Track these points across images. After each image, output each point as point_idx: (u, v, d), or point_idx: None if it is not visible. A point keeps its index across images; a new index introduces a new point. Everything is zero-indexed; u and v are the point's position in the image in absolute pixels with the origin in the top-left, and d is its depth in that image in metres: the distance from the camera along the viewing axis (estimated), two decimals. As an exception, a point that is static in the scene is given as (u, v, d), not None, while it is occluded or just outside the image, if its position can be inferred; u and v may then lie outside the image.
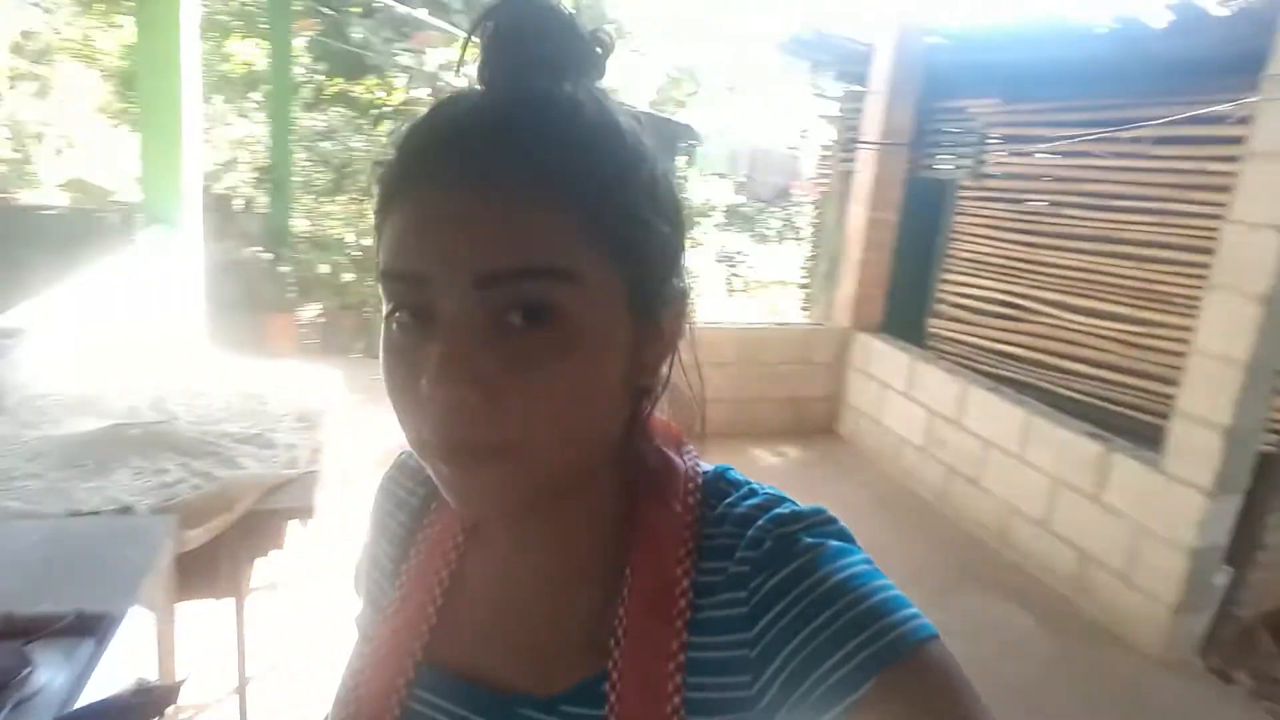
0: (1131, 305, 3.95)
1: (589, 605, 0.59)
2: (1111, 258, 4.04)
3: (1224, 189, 3.08)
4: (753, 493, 0.60)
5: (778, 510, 0.57)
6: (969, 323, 4.93)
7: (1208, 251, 3.07)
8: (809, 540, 0.55)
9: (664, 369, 0.58)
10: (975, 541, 3.91)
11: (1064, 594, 3.41)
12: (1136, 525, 3.11)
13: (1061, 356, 4.31)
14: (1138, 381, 3.90)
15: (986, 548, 3.84)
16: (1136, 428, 3.69)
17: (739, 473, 0.62)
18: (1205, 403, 2.88)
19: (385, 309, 0.52)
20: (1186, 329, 3.25)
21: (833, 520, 0.57)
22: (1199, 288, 3.15)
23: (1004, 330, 4.68)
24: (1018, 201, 4.63)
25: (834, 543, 0.55)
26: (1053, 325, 4.37)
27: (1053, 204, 4.43)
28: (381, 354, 0.53)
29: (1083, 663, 3.00)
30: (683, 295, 0.57)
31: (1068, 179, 4.31)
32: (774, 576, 0.54)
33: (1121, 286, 4.00)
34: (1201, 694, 2.90)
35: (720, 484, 0.61)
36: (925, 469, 4.39)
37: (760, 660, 0.53)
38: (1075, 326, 4.23)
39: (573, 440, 0.53)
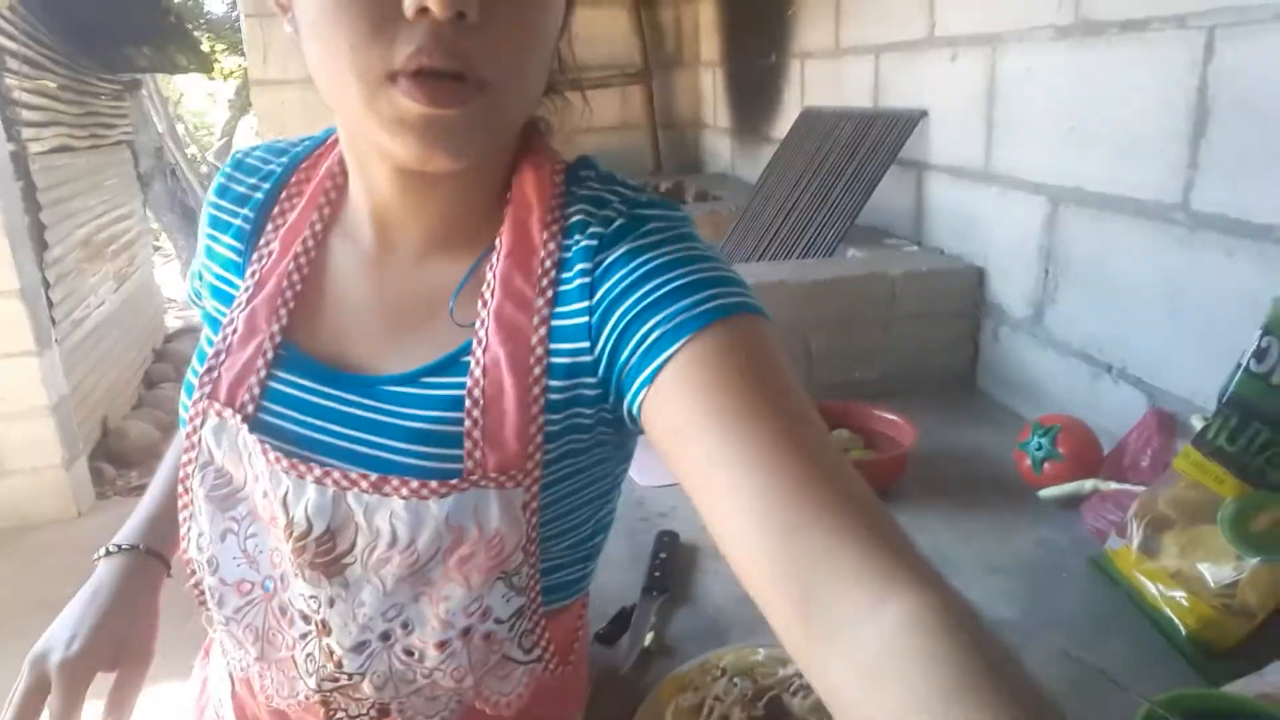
0: None
1: (458, 277, 0.62)
2: None
3: None
4: (612, 178, 0.63)
5: (634, 196, 0.61)
6: None
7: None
8: (657, 224, 0.58)
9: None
10: None
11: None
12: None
13: None
14: None
15: None
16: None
17: (599, 162, 0.65)
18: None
19: None
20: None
21: (684, 216, 0.60)
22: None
23: None
24: None
25: (680, 229, 0.59)
26: None
27: None
28: None
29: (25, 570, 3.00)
30: None
31: None
32: (618, 250, 0.57)
33: None
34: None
35: (581, 169, 0.63)
36: None
37: (598, 325, 0.56)
38: None
39: (528, 91, 0.56)
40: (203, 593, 0.68)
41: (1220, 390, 0.88)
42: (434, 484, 0.56)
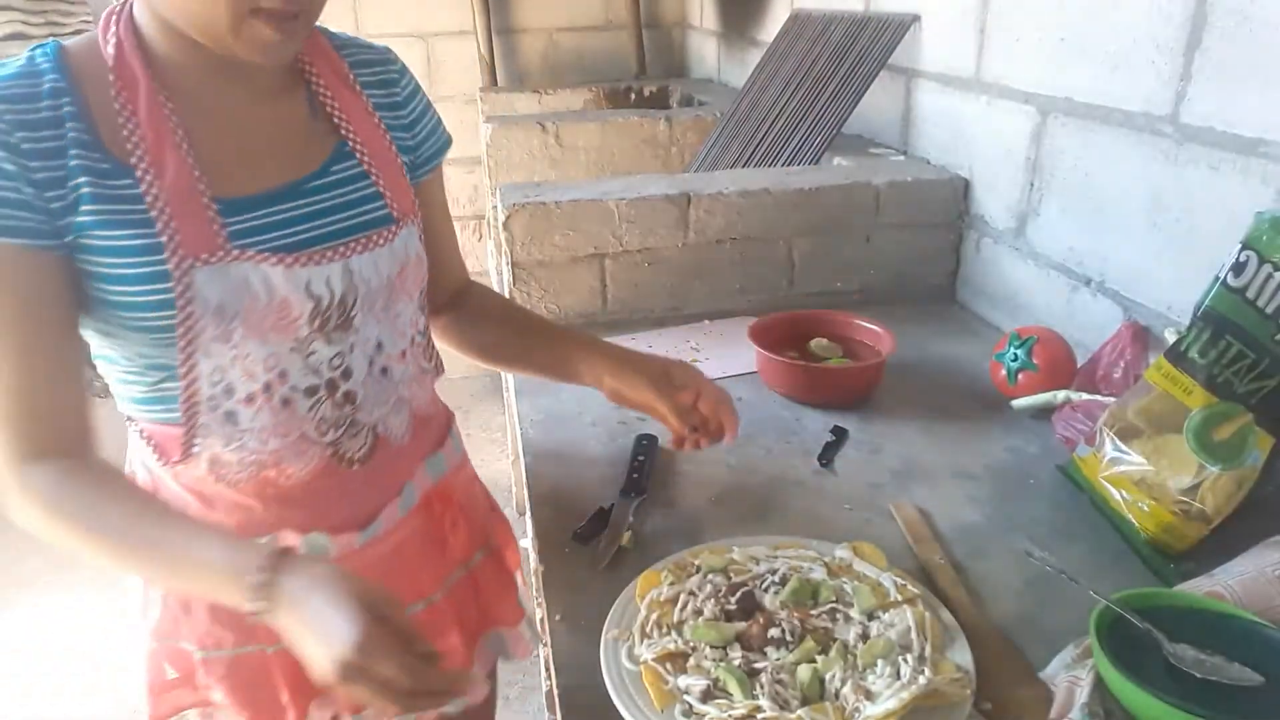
0: None
1: (303, 108, 0.83)
2: None
3: None
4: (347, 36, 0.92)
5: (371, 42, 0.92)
6: None
7: None
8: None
9: None
10: None
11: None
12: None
13: None
14: None
15: None
16: None
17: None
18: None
19: None
20: None
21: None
22: None
23: None
24: None
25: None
26: None
27: None
28: None
29: None
30: None
31: None
32: (409, 85, 0.91)
33: None
34: None
35: (326, 32, 0.88)
36: None
37: (410, 131, 0.90)
38: None
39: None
40: (194, 430, 0.77)
41: (1196, 304, 0.89)
42: (393, 227, 0.83)
